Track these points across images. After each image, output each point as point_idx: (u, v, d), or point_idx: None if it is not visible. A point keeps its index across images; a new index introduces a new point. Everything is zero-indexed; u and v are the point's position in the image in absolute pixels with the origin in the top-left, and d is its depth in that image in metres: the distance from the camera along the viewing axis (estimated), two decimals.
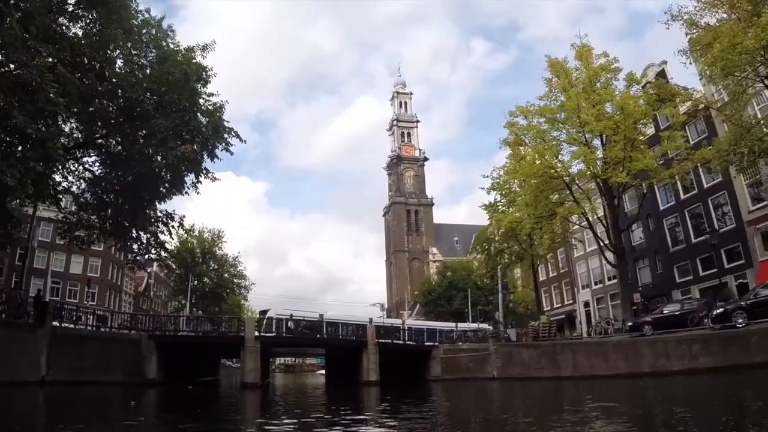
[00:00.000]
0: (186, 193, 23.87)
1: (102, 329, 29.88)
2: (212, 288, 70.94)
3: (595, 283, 48.68)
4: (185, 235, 69.29)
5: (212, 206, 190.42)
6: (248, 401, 25.72)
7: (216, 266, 71.83)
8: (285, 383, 51.30)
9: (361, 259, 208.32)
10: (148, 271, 78.07)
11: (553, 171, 32.99)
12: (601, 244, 36.00)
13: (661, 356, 26.87)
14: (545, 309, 55.16)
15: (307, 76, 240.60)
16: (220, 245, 71.64)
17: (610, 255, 37.55)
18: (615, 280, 45.26)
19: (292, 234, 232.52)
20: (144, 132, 18.89)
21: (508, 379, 34.00)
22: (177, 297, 71.64)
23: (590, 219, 35.72)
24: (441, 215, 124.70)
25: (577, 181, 34.88)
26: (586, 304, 49.03)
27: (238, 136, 21.20)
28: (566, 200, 35.01)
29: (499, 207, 40.49)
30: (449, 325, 47.23)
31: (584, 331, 45.11)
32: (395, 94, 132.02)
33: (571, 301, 50.59)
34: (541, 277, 57.38)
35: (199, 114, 19.58)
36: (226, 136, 20.94)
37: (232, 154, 21.95)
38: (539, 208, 33.87)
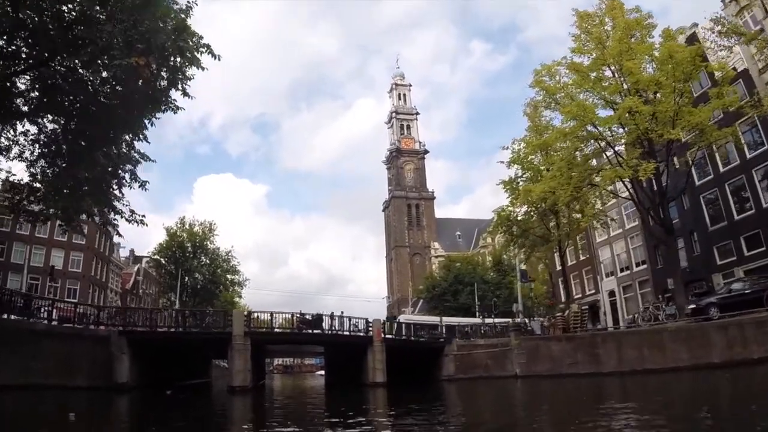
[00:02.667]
0: (142, 134, 19.00)
1: (65, 324, 25.42)
2: (204, 284, 66.77)
3: (621, 270, 44.53)
4: (174, 228, 65.47)
5: (212, 208, 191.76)
6: (233, 408, 21.53)
7: (208, 261, 67.58)
8: (281, 385, 47.13)
9: (361, 260, 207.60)
10: (137, 267, 74.16)
11: (593, 130, 28.66)
12: (646, 217, 31.70)
13: (736, 343, 22.85)
14: (562, 300, 51.06)
15: (308, 79, 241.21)
16: (211, 238, 67.42)
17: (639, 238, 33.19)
18: (644, 266, 41.45)
19: (292, 236, 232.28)
20: (88, 48, 14.30)
21: (533, 377, 30.07)
22: (167, 294, 67.40)
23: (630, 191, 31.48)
24: (440, 213, 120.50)
25: (616, 144, 30.37)
26: (611, 294, 44.84)
27: (211, 51, 16.60)
28: (603, 167, 30.73)
29: (520, 183, 36.31)
30: (471, 320, 42.75)
31: (609, 322, 41.07)
32: (393, 86, 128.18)
33: (593, 291, 46.34)
34: (557, 266, 53.25)
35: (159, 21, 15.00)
36: (192, 44, 16.18)
37: (203, 69, 17.05)
38: (574, 178, 29.58)
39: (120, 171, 19.63)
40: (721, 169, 34.23)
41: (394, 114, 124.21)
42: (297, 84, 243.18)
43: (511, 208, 36.76)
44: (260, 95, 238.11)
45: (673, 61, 26.45)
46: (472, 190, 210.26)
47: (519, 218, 37.20)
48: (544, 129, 34.92)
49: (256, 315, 33.79)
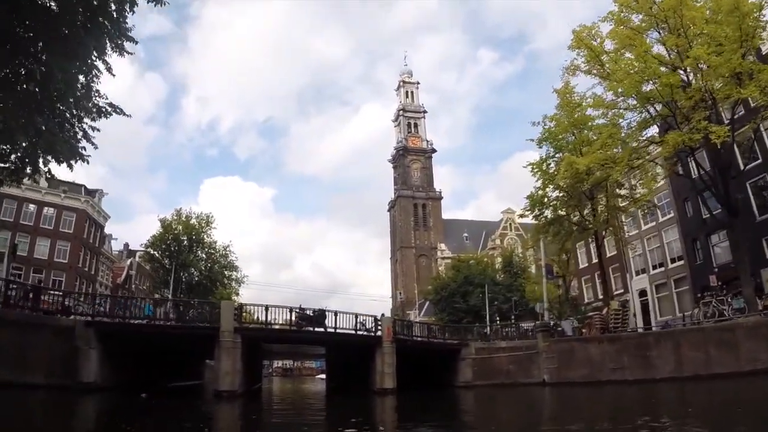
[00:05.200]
0: (93, 69, 15.37)
1: (20, 310, 21.52)
2: (200, 280, 62.90)
3: (654, 267, 40.37)
4: (168, 219, 61.66)
5: (218, 210, 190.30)
6: (213, 419, 17.70)
7: (204, 256, 63.74)
8: (278, 390, 43.26)
9: (365, 264, 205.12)
10: (129, 261, 70.46)
11: (650, 89, 24.64)
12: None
13: None
14: (585, 301, 47.23)
15: (316, 84, 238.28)
16: (209, 232, 63.53)
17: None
18: (680, 262, 37.41)
19: (297, 239, 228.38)
20: None
21: (566, 384, 26.25)
22: (161, 290, 63.53)
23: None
24: (446, 216, 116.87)
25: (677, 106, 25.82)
26: (642, 293, 40.70)
27: None
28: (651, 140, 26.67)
29: (552, 164, 32.43)
30: None
31: (639, 323, 37.12)
32: (401, 84, 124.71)
33: (621, 290, 42.24)
34: (581, 263, 49.50)
35: None
36: None
37: (163, 5, 13.34)
38: (626, 150, 25.48)
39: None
40: None
41: (401, 112, 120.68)
42: (305, 88, 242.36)
43: (542, 192, 32.78)
44: (269, 99, 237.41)
45: (739, 12, 22.54)
46: (477, 196, 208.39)
47: (552, 203, 33.21)
48: (577, 106, 31.08)
49: (249, 309, 29.88)
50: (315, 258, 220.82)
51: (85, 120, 16.69)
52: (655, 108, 25.96)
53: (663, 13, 24.01)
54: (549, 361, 28.17)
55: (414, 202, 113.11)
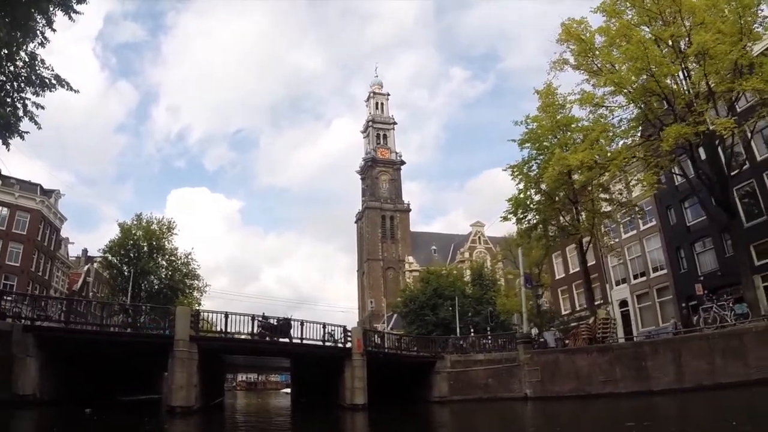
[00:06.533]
0: (34, 32, 13.62)
1: None
2: (161, 288, 59.77)
3: (635, 277, 39.44)
4: (128, 224, 58.62)
5: (185, 221, 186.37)
6: None
7: (165, 263, 60.69)
8: (239, 406, 40.80)
9: (332, 278, 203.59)
10: (86, 268, 67.09)
11: (646, 81, 23.29)
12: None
13: None
14: (563, 312, 46.05)
15: (289, 97, 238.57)
16: (170, 238, 60.54)
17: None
18: (662, 271, 36.59)
19: (264, 252, 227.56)
20: None
21: (551, 398, 24.71)
22: (119, 297, 60.18)
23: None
24: (414, 229, 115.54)
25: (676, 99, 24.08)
26: (623, 304, 39.79)
27: None
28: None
29: (534, 166, 30.97)
30: None
31: (620, 334, 35.96)
32: (371, 95, 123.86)
33: (600, 301, 41.08)
34: (557, 274, 48.28)
35: None
36: None
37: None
38: (623, 148, 23.98)
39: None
40: (758, 156, 29.34)
41: (370, 123, 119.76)
42: (279, 101, 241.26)
43: (523, 195, 31.36)
44: (241, 110, 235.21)
45: (739, 3, 21.49)
46: (445, 213, 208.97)
47: (533, 206, 31.80)
48: (560, 107, 29.88)
49: (208, 317, 27.56)
50: (282, 271, 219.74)
51: (28, 91, 14.96)
52: (651, 102, 24.61)
53: (659, 4, 22.82)
54: (531, 374, 26.63)
55: (382, 214, 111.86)
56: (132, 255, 57.71)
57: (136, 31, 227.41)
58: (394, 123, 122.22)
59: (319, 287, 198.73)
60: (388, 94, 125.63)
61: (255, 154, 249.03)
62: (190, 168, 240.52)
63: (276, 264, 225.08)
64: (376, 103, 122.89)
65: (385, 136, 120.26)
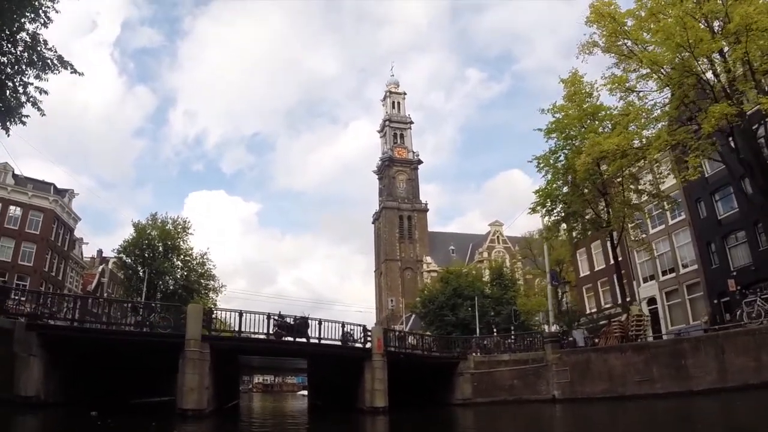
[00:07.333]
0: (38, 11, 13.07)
1: None
2: (176, 290, 58.88)
3: (664, 273, 37.79)
4: (143, 224, 57.87)
5: (202, 224, 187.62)
6: None
7: (180, 264, 59.84)
8: (255, 408, 39.80)
9: (349, 280, 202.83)
10: (101, 268, 66.60)
11: (685, 59, 21.85)
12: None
13: None
14: (588, 311, 44.54)
15: (305, 100, 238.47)
16: (185, 238, 59.68)
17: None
18: (693, 267, 35.00)
19: (281, 254, 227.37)
20: None
21: (581, 400, 23.40)
22: (133, 298, 59.36)
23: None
24: (431, 230, 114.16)
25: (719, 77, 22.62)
26: (651, 302, 38.10)
27: None
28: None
29: (561, 157, 29.58)
30: None
31: (648, 333, 34.56)
32: (387, 94, 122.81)
33: (628, 299, 39.64)
34: (582, 272, 46.81)
35: None
36: None
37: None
38: (663, 130, 22.50)
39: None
40: None
41: (387, 122, 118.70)
42: (295, 104, 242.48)
43: (553, 186, 30.01)
44: (258, 114, 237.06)
45: None
46: (462, 213, 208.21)
47: (560, 197, 30.39)
48: (587, 95, 28.54)
49: (221, 316, 26.36)
50: (299, 273, 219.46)
51: (29, 74, 14.36)
52: (686, 84, 23.05)
53: None
54: (560, 374, 25.40)
55: (399, 214, 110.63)
56: (147, 255, 56.96)
57: (153, 37, 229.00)
58: (411, 122, 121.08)
59: (336, 289, 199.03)
60: (405, 93, 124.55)
61: (272, 157, 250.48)
62: (207, 171, 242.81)
63: (293, 266, 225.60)
64: (393, 102, 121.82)
65: (402, 136, 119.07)
